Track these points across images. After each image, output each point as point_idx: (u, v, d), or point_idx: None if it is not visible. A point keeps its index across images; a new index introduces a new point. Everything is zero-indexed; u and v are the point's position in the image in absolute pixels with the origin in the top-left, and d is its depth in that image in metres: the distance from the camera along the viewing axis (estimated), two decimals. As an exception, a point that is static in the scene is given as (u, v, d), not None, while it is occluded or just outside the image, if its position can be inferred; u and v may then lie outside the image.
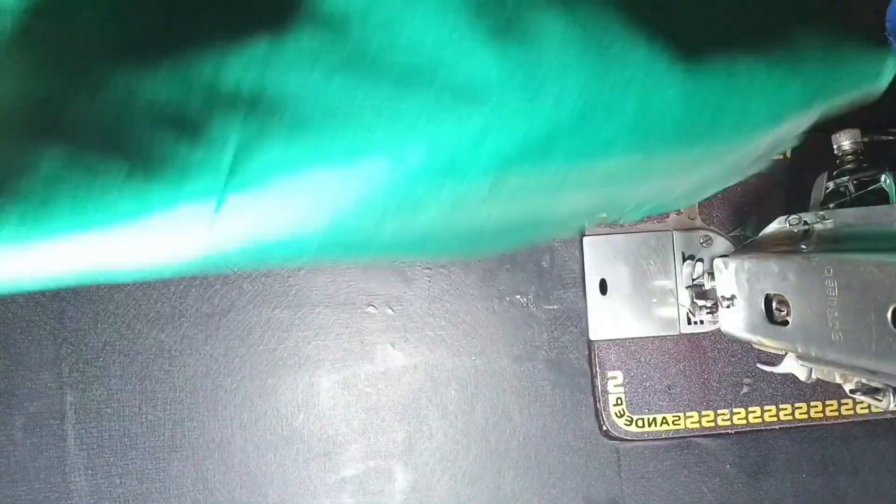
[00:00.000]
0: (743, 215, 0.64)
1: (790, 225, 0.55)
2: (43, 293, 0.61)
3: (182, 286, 0.64)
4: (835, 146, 0.60)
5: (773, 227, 0.57)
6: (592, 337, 0.63)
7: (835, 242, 0.51)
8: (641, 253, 0.63)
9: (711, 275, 0.60)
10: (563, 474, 0.63)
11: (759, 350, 0.61)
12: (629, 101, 0.44)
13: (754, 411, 0.64)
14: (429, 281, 0.65)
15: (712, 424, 0.64)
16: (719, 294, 0.59)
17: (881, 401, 0.49)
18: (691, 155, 0.47)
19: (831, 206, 0.56)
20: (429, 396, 0.64)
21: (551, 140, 0.43)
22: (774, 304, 0.54)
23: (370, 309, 0.65)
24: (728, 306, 0.58)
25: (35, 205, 0.40)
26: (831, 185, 0.57)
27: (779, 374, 0.60)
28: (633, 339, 0.63)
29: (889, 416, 0.64)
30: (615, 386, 0.63)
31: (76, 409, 0.61)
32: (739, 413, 0.64)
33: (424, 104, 0.42)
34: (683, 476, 0.64)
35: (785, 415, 0.64)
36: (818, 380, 0.55)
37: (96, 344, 0.62)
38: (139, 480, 0.58)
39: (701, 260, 0.63)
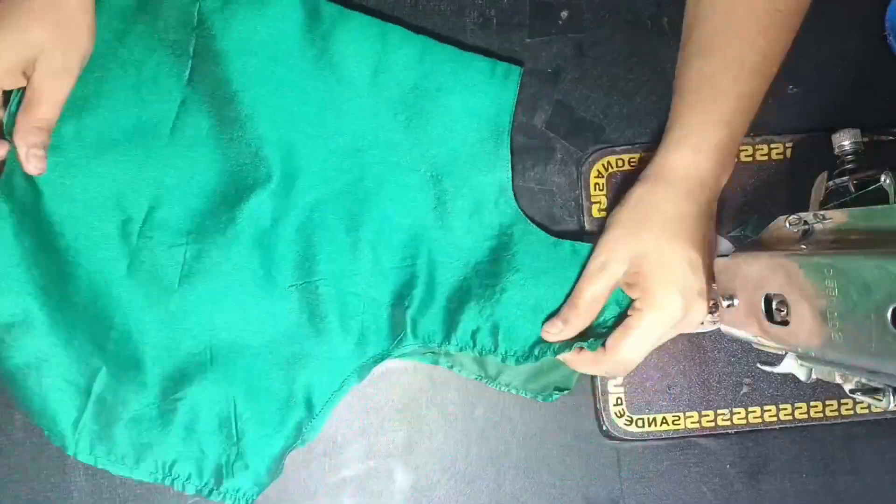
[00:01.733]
0: (743, 215, 0.64)
1: (790, 225, 0.55)
2: (43, 293, 0.61)
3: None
4: (835, 146, 0.60)
5: (773, 227, 0.57)
6: (592, 337, 0.63)
7: (835, 242, 0.50)
8: (641, 253, 0.63)
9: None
10: (563, 474, 0.63)
11: (759, 350, 0.61)
12: None
13: (754, 411, 0.64)
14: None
15: (712, 424, 0.64)
16: (719, 294, 0.59)
17: (881, 401, 0.49)
18: None
19: (831, 206, 0.56)
20: (429, 397, 0.64)
21: None
22: (774, 304, 0.54)
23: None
24: (728, 306, 0.58)
25: None
26: (831, 185, 0.57)
27: (779, 374, 0.60)
28: (633, 339, 0.63)
29: (889, 416, 0.64)
30: (615, 386, 0.63)
31: (76, 409, 0.60)
32: (739, 413, 0.64)
33: None
34: (683, 476, 0.64)
35: (785, 415, 0.64)
36: (818, 380, 0.55)
37: (96, 344, 0.62)
38: (140, 481, 0.58)
39: (701, 260, 0.62)
